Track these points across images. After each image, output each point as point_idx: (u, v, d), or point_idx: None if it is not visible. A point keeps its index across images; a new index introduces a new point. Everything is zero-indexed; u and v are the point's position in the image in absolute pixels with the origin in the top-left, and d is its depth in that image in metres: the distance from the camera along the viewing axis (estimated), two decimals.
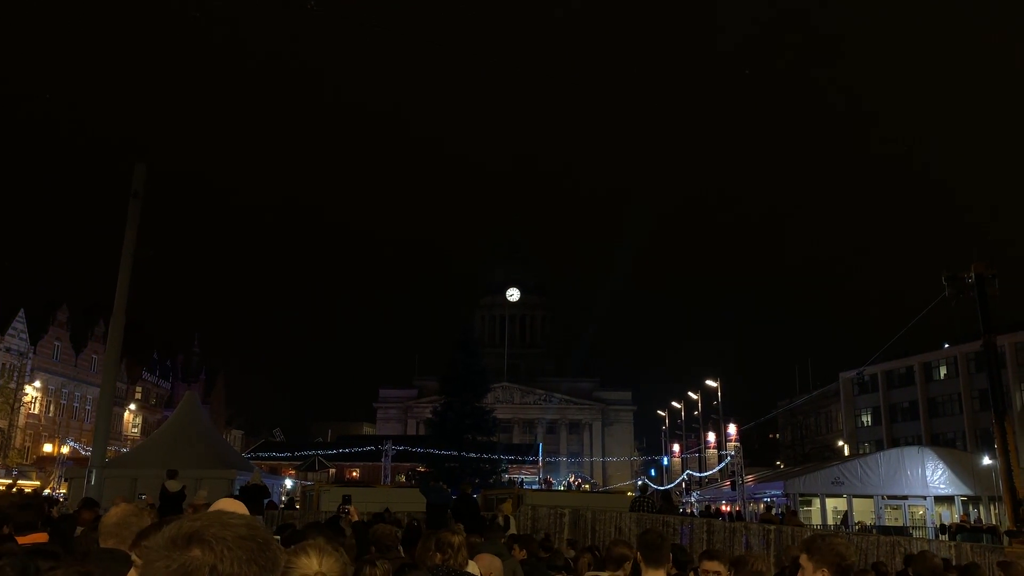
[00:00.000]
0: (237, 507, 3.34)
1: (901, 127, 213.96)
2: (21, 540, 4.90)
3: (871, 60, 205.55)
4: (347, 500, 10.66)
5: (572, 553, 10.55)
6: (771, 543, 16.71)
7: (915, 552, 12.01)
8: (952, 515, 38.50)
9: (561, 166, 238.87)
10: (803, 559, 3.92)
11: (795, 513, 32.27)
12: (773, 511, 34.56)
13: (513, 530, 15.35)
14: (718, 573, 5.31)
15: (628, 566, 5.57)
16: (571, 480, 78.86)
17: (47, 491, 35.54)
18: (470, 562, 4.28)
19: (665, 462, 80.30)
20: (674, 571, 6.07)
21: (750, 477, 46.82)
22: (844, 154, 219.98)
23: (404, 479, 57.03)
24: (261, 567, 1.39)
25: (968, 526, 32.09)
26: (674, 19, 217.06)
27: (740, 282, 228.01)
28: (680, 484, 59.99)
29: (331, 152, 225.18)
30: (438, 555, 4.20)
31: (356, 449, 63.91)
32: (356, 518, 8.57)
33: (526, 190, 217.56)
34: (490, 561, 4.40)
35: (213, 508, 3.35)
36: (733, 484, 42.55)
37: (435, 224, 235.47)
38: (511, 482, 56.78)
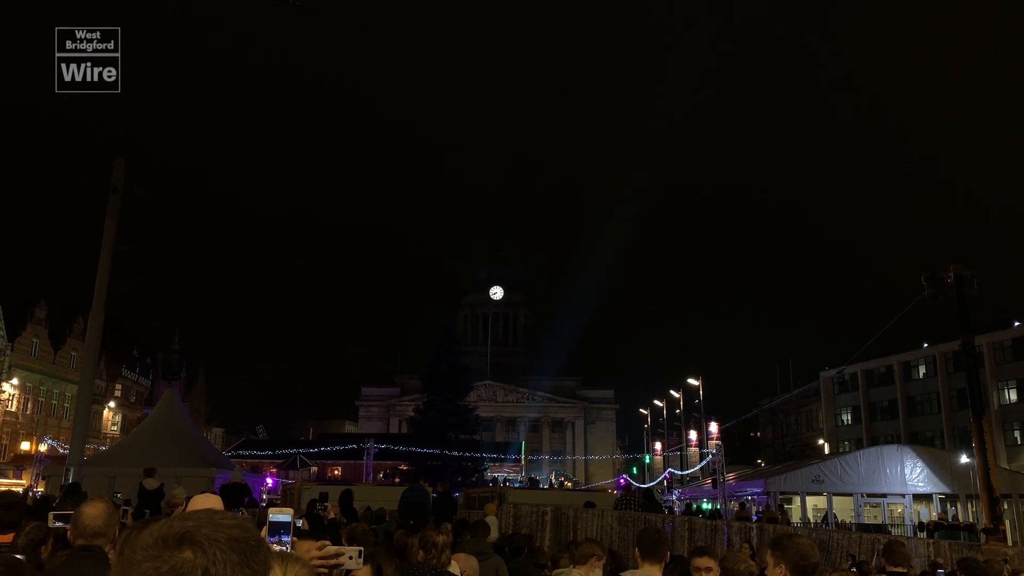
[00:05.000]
0: (214, 502, 3.29)
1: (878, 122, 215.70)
2: (1, 539, 4.82)
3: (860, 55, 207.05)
4: (324, 498, 10.64)
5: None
6: (752, 542, 16.75)
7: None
8: (930, 513, 38.86)
9: (546, 162, 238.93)
10: (770, 560, 4.09)
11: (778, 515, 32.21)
12: (757, 509, 34.63)
13: (494, 530, 15.32)
14: (709, 569, 5.34)
15: (595, 562, 5.63)
16: (553, 479, 78.98)
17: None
18: (452, 561, 4.28)
19: (647, 460, 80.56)
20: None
21: (731, 475, 47.04)
22: (827, 156, 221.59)
23: (382, 477, 56.85)
24: (254, 572, 1.30)
25: (946, 524, 32.38)
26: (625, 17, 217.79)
27: (722, 281, 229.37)
28: (662, 482, 60.16)
29: (310, 146, 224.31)
30: (421, 553, 4.20)
31: (338, 447, 63.64)
32: (333, 515, 8.53)
33: (510, 187, 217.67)
34: (466, 560, 4.40)
35: (192, 505, 3.30)
36: (714, 482, 42.73)
37: (417, 220, 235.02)
38: (501, 481, 56.75)
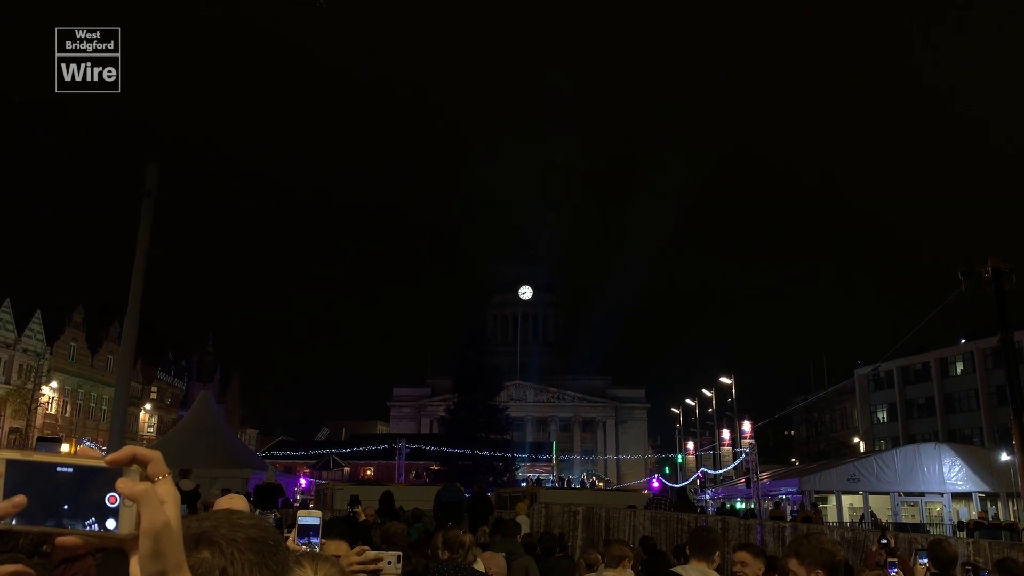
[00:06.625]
0: (238, 503, 3.32)
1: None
2: None
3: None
4: (355, 501, 10.68)
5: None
6: (785, 541, 16.58)
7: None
8: (970, 512, 38.18)
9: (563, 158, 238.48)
10: (793, 564, 3.84)
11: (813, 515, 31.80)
12: (793, 508, 34.20)
13: (526, 530, 15.33)
14: (744, 564, 5.31)
15: (627, 564, 5.67)
16: (585, 479, 78.83)
17: None
18: (478, 559, 4.28)
19: (680, 459, 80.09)
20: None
21: (765, 474, 46.60)
22: (865, 141, 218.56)
23: (413, 477, 57.14)
24: (272, 571, 1.31)
25: (986, 523, 31.79)
26: None
27: (754, 277, 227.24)
28: (695, 481, 59.78)
29: (344, 141, 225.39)
30: (446, 552, 4.21)
31: (370, 448, 64.06)
32: (364, 518, 8.56)
33: (538, 185, 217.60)
34: (492, 558, 4.40)
35: (215, 505, 3.32)
36: (748, 481, 42.37)
37: (452, 218, 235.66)
38: (532, 481, 56.75)
